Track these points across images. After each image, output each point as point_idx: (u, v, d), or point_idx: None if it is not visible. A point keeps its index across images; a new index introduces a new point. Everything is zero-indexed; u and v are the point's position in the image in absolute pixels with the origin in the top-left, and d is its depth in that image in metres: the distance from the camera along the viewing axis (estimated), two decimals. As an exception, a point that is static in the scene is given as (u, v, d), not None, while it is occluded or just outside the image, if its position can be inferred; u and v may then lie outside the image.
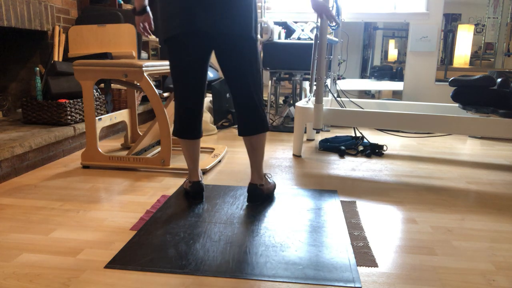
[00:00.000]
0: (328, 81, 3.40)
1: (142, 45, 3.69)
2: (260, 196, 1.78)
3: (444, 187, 2.06)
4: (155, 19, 1.99)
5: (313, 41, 3.08)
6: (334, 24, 1.75)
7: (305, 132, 3.20)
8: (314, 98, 2.45)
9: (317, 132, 3.42)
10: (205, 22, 1.53)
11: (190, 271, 1.22)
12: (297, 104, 2.60)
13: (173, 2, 1.54)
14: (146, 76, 2.12)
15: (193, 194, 1.80)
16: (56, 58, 2.93)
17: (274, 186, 1.89)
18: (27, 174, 2.15)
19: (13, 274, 1.20)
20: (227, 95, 3.48)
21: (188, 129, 1.72)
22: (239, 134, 1.72)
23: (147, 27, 1.90)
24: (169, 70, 2.52)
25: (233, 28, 1.56)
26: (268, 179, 1.89)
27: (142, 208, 1.72)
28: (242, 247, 1.37)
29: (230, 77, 1.66)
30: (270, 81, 3.48)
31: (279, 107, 3.94)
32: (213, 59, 3.84)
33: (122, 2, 3.34)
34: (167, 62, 2.44)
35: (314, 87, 2.46)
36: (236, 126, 3.63)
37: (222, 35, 1.57)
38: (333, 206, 1.76)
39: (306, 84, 3.73)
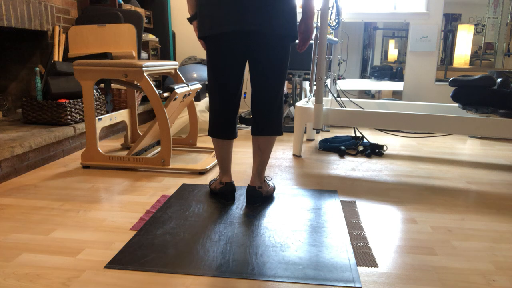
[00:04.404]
0: (328, 81, 3.40)
1: (142, 45, 3.69)
2: (259, 199, 1.77)
3: (444, 187, 2.06)
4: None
5: (313, 41, 3.08)
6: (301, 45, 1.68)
7: (305, 132, 3.20)
8: (314, 98, 2.45)
9: (317, 132, 3.42)
10: (255, 22, 1.52)
11: (190, 271, 1.22)
12: (297, 104, 2.60)
13: (220, 1, 1.53)
14: (146, 76, 2.12)
15: (225, 195, 1.79)
16: (56, 58, 2.93)
17: (273, 189, 1.89)
18: (27, 174, 2.15)
19: (13, 274, 1.20)
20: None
21: (223, 129, 1.72)
22: (252, 133, 1.72)
23: None
24: (168, 70, 2.52)
25: (281, 29, 1.56)
26: (268, 182, 1.89)
27: (142, 208, 1.72)
28: (242, 247, 1.37)
29: (262, 77, 1.65)
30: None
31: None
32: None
33: (122, 2, 3.34)
34: (167, 62, 2.44)
35: (314, 87, 2.46)
36: (237, 126, 3.63)
37: (267, 35, 1.57)
38: (333, 206, 1.76)
39: (306, 84, 3.73)
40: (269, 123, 1.69)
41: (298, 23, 1.67)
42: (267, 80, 1.64)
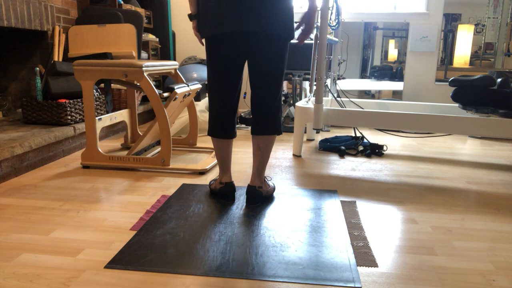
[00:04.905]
0: (328, 81, 3.40)
1: (142, 45, 3.69)
2: (259, 199, 1.77)
3: (444, 187, 2.06)
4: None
5: (313, 41, 3.08)
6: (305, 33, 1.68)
7: (305, 132, 3.20)
8: (314, 98, 2.45)
9: (317, 132, 3.42)
10: (252, 23, 1.53)
11: (190, 271, 1.22)
12: (297, 104, 2.60)
13: (220, 1, 1.54)
14: (146, 76, 2.12)
15: (225, 195, 1.79)
16: (56, 58, 2.93)
17: (273, 189, 1.89)
18: (27, 174, 2.15)
19: (13, 274, 1.20)
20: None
21: (222, 129, 1.73)
22: (252, 133, 1.73)
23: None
24: (168, 70, 2.52)
25: (279, 29, 1.57)
26: (268, 182, 1.89)
27: (142, 208, 1.72)
28: (242, 247, 1.37)
29: (260, 77, 1.65)
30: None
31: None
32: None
33: (122, 2, 3.34)
34: (167, 62, 2.44)
35: (314, 87, 2.46)
36: (237, 127, 3.63)
37: (267, 36, 1.58)
38: (333, 206, 1.76)
39: (306, 84, 3.73)
40: (269, 123, 1.70)
41: (301, 17, 1.67)
42: (266, 80, 1.65)
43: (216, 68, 1.66)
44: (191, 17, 1.73)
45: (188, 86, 2.43)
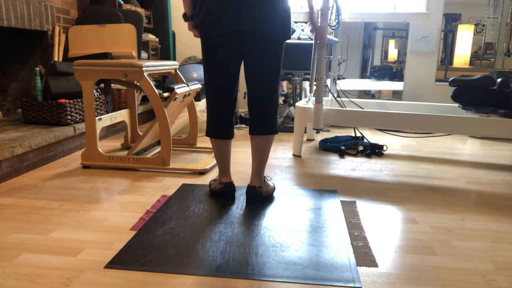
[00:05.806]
0: (328, 81, 3.40)
1: (142, 45, 3.69)
2: (259, 199, 1.77)
3: (444, 187, 2.06)
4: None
5: (313, 41, 3.08)
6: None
7: (305, 132, 3.20)
8: (314, 98, 2.45)
9: (317, 132, 3.42)
10: (249, 22, 1.54)
11: (190, 271, 1.22)
12: (297, 104, 2.60)
13: (218, 1, 1.54)
14: (146, 76, 2.12)
15: (225, 195, 1.79)
16: (56, 58, 2.93)
17: (273, 189, 1.89)
18: (27, 174, 2.15)
19: (13, 274, 1.20)
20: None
21: (221, 129, 1.73)
22: (250, 133, 1.73)
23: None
24: (168, 70, 2.52)
25: (275, 28, 1.58)
26: (268, 182, 1.89)
27: (142, 208, 1.72)
28: (242, 247, 1.37)
29: (257, 77, 1.66)
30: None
31: (279, 107, 3.94)
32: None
33: (122, 2, 3.34)
34: (167, 62, 2.44)
35: (314, 87, 2.46)
36: (237, 127, 3.63)
37: (263, 35, 1.58)
38: (333, 206, 1.76)
39: (306, 84, 3.73)
40: (267, 123, 1.70)
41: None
42: (264, 80, 1.65)
43: (213, 68, 1.66)
44: (185, 18, 1.72)
45: (188, 86, 2.43)
